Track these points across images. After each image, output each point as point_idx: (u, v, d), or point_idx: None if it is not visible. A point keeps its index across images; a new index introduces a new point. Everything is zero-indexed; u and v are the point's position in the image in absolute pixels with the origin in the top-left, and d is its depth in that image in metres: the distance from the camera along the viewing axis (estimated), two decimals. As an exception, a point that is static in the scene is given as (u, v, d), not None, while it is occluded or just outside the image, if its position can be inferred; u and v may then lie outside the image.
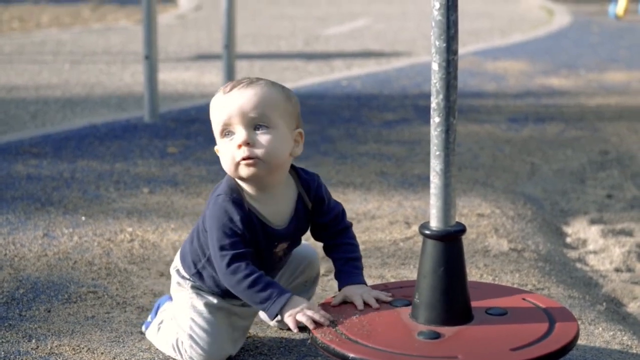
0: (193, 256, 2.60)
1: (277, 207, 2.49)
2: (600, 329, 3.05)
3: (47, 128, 5.85)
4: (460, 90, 7.16)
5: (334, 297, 2.51)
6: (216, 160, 4.94)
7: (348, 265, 2.56)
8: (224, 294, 2.58)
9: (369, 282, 3.35)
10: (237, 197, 2.44)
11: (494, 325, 2.32)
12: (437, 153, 2.27)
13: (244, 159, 2.40)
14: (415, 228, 3.90)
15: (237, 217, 2.41)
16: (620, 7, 12.10)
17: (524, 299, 2.47)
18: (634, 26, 11.35)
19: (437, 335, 2.26)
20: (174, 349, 2.65)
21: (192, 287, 2.62)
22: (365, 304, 2.44)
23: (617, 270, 3.74)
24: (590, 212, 4.44)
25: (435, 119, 2.25)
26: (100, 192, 4.44)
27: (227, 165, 2.45)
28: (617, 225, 4.22)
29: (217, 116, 2.44)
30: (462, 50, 9.02)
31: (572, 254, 3.92)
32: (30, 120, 6.16)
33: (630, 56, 9.04)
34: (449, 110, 2.23)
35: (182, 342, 2.63)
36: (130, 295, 3.25)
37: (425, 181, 2.35)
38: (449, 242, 2.31)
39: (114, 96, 6.96)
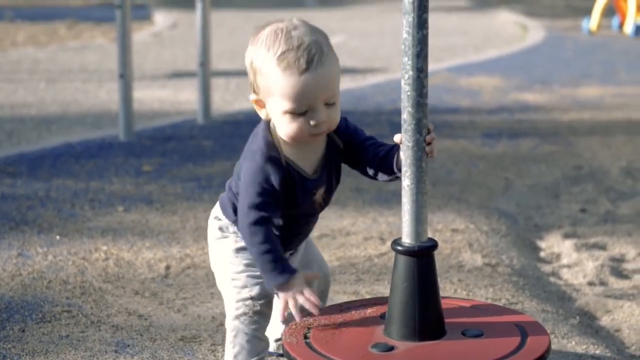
0: (233, 204, 2.56)
1: (311, 155, 2.49)
2: (574, 342, 3.07)
3: (22, 147, 5.84)
4: (434, 106, 7.22)
5: None
6: (192, 178, 4.96)
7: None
8: None
9: (344, 298, 3.37)
10: (274, 155, 2.43)
11: (458, 342, 2.32)
12: (405, 169, 2.29)
13: (316, 134, 2.42)
14: (389, 244, 3.91)
15: (274, 177, 2.41)
16: (593, 22, 12.19)
17: (516, 323, 2.45)
18: (607, 41, 11.44)
19: (389, 349, 2.28)
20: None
21: (236, 231, 2.57)
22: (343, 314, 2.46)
23: (590, 284, 3.76)
24: (564, 226, 4.47)
25: (403, 136, 2.27)
26: (75, 210, 4.43)
27: (291, 133, 2.40)
28: (590, 240, 4.25)
29: (295, 96, 2.36)
30: (436, 66, 9.06)
31: (546, 268, 3.95)
32: (5, 139, 6.15)
33: (603, 71, 9.11)
34: (416, 128, 2.25)
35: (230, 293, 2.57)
36: (104, 314, 3.25)
37: (400, 197, 2.36)
38: (420, 258, 2.32)
39: (90, 114, 6.95)
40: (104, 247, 3.93)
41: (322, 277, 2.74)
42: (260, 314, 2.53)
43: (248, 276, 2.52)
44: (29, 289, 3.47)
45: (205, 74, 6.46)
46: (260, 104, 2.46)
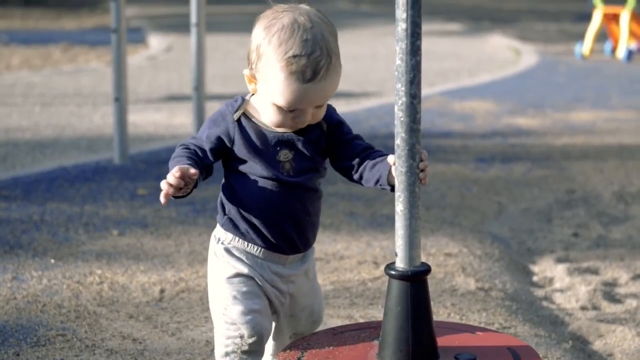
0: (222, 205, 2.53)
1: None
2: (566, 366, 3.09)
3: (16, 170, 5.85)
4: (428, 130, 7.25)
5: None
6: (186, 202, 4.98)
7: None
8: (256, 234, 2.47)
9: (338, 322, 3.38)
10: (230, 106, 2.44)
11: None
12: (398, 194, 2.30)
13: (297, 126, 2.42)
14: (383, 268, 3.92)
15: (221, 124, 2.41)
16: (586, 47, 12.26)
17: (509, 348, 2.47)
18: (599, 66, 11.51)
19: (383, 373, 2.30)
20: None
21: (225, 249, 2.49)
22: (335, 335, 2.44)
23: (583, 308, 3.78)
24: (557, 250, 4.49)
25: (397, 161, 2.29)
26: (70, 234, 4.44)
27: (273, 120, 2.41)
28: (583, 264, 4.27)
29: (290, 99, 2.35)
30: (430, 90, 9.11)
31: (539, 293, 3.96)
32: (-1, 162, 6.16)
33: (596, 96, 9.16)
34: (409, 153, 2.27)
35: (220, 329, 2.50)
36: (99, 337, 3.26)
37: (393, 221, 2.38)
38: (413, 282, 2.34)
39: (84, 138, 6.97)
40: (99, 271, 3.94)
41: (310, 324, 2.64)
42: (249, 353, 2.47)
43: (237, 312, 2.45)
44: (24, 313, 3.47)
45: (199, 97, 6.49)
46: (253, 80, 2.44)
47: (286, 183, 2.45)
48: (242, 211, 2.48)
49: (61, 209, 4.87)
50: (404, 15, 2.22)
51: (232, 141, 2.43)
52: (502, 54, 12.91)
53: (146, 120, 7.67)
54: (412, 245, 2.33)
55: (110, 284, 3.80)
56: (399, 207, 2.31)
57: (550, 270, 4.21)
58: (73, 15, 17.97)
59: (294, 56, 2.33)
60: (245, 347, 2.46)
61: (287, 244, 2.50)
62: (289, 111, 2.39)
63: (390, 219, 4.63)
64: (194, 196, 5.13)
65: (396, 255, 2.35)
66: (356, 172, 2.50)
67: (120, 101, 5.95)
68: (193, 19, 6.43)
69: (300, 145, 2.46)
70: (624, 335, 3.45)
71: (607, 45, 12.61)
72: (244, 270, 2.48)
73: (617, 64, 11.73)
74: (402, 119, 2.27)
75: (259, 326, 2.46)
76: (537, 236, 4.72)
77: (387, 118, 7.44)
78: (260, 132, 2.44)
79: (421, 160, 2.31)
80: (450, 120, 7.65)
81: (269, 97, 2.39)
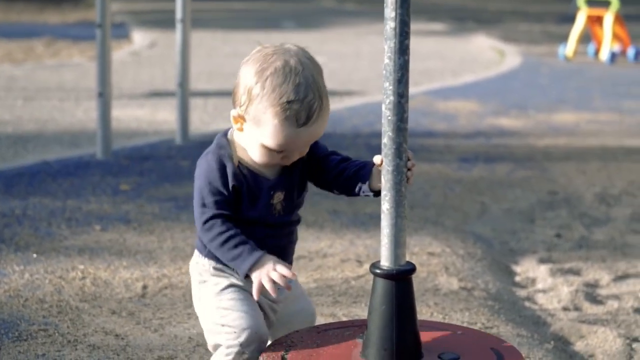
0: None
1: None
2: (548, 367, 3.10)
3: (-2, 164, 5.82)
4: (411, 130, 7.20)
5: None
6: (169, 198, 4.97)
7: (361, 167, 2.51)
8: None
9: (321, 320, 3.38)
10: (225, 153, 2.43)
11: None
12: (385, 193, 2.31)
13: (285, 164, 2.44)
14: (366, 266, 3.93)
15: (225, 172, 2.40)
16: (569, 48, 12.30)
17: (492, 347, 2.47)
18: (582, 68, 11.55)
19: (364, 372, 2.30)
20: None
21: (214, 268, 2.50)
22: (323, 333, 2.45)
23: (565, 309, 3.80)
24: (539, 251, 4.50)
25: (384, 160, 2.30)
26: (52, 229, 4.43)
27: (260, 160, 2.42)
28: (565, 265, 4.29)
29: (282, 143, 2.36)
30: (414, 89, 9.12)
31: (521, 293, 3.97)
32: (-19, 156, 6.13)
33: (578, 97, 9.19)
34: (396, 152, 2.28)
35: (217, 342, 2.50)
36: (81, 333, 3.25)
37: (377, 220, 2.38)
38: (398, 281, 2.34)
39: (67, 133, 6.94)
40: (81, 266, 3.93)
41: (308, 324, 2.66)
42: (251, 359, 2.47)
43: (235, 319, 2.46)
44: (5, 307, 3.46)
45: (183, 94, 6.47)
46: (240, 120, 2.42)
47: (276, 223, 2.48)
48: None
49: (43, 203, 4.85)
50: (393, 14, 2.22)
51: (234, 187, 2.42)
52: (486, 55, 12.94)
53: (129, 115, 7.65)
54: (398, 244, 2.34)
55: (92, 280, 3.79)
56: (385, 205, 2.31)
57: (533, 271, 4.23)
58: (56, 9, 17.90)
59: (289, 102, 2.33)
60: (246, 356, 2.45)
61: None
62: (278, 152, 2.40)
63: (374, 218, 4.64)
64: (176, 192, 5.14)
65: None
66: (337, 185, 2.52)
67: (104, 96, 5.93)
68: (178, 14, 6.41)
69: (291, 185, 2.49)
70: (605, 336, 3.46)
71: (591, 47, 12.66)
72: (237, 282, 2.49)
73: (600, 66, 11.78)
74: (389, 117, 2.27)
75: (261, 330, 2.47)
76: (519, 236, 4.73)
77: (371, 117, 7.44)
78: (256, 179, 2.45)
79: (408, 159, 2.32)
80: (434, 120, 7.66)
81: (258, 139, 2.39)
